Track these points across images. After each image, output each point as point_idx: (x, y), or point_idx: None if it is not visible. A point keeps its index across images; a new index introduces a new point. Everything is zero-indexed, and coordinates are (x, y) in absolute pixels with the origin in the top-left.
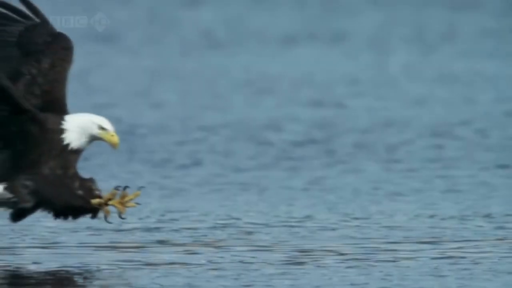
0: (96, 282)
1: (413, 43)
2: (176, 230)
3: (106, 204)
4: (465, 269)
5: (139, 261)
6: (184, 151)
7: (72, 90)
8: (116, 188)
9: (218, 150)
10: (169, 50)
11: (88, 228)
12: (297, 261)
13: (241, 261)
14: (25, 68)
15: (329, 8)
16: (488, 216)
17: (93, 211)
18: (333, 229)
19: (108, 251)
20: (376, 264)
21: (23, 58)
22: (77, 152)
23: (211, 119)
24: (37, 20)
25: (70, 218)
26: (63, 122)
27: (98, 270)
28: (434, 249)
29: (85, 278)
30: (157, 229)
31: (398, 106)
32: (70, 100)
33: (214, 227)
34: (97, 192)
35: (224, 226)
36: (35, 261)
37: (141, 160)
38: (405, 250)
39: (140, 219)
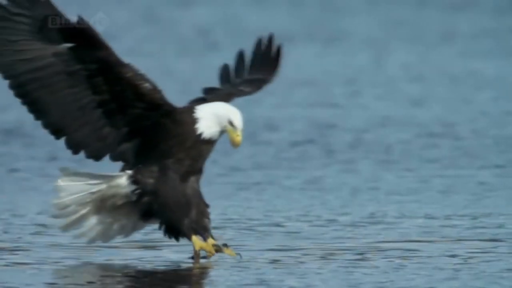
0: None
1: (411, 43)
2: None
3: (200, 249)
4: (461, 269)
5: (139, 261)
6: None
7: None
8: (217, 245)
9: (217, 149)
10: (166, 50)
11: None
12: (295, 260)
13: (240, 261)
14: None
15: (327, 8)
16: (486, 215)
17: (190, 240)
18: (331, 229)
19: (108, 251)
20: (373, 263)
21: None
22: (209, 142)
23: None
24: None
25: (171, 236)
26: (195, 111)
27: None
28: (431, 248)
29: (86, 277)
30: (157, 229)
31: (397, 105)
32: None
33: (213, 227)
34: (206, 220)
35: (223, 225)
36: (36, 261)
37: None
38: (402, 249)
39: None
